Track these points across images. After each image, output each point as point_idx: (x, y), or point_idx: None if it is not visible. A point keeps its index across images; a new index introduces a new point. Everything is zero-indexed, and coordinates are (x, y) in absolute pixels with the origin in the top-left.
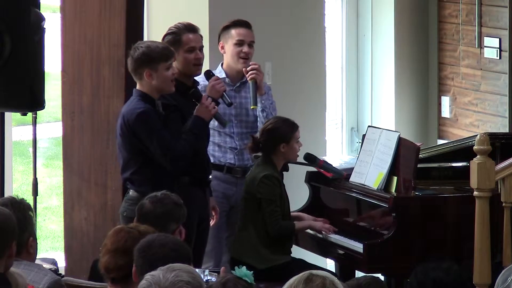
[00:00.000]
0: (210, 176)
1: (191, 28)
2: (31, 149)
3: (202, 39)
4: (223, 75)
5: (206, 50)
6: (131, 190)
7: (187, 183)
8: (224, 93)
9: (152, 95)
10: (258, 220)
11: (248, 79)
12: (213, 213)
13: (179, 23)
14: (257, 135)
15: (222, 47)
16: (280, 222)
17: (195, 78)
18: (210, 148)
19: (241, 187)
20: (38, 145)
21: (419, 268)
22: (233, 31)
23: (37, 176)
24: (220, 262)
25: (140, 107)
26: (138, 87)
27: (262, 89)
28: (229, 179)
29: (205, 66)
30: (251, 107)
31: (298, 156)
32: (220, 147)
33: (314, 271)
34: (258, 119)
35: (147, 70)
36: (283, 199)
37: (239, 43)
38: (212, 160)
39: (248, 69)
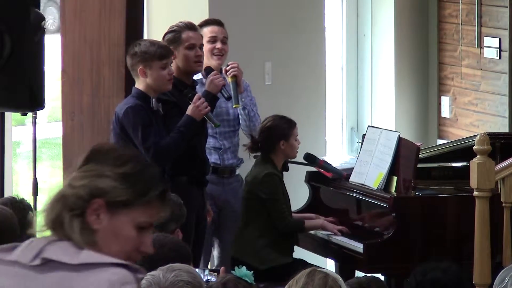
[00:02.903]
0: None
1: (191, 26)
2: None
3: (202, 38)
4: (200, 76)
5: None
6: None
7: (185, 182)
8: (223, 87)
9: (149, 93)
10: (258, 220)
11: (229, 77)
12: (207, 216)
13: (180, 22)
14: (255, 134)
15: None
16: (289, 220)
17: (194, 78)
18: None
19: (229, 187)
20: (38, 145)
21: (418, 268)
22: (205, 30)
23: (38, 176)
24: (209, 261)
25: (129, 103)
26: (136, 85)
27: (242, 86)
28: (214, 179)
29: None
30: (234, 106)
31: (297, 152)
32: None
33: (318, 268)
34: (240, 116)
35: (141, 68)
36: (285, 197)
37: (212, 40)
38: None
39: (227, 68)
